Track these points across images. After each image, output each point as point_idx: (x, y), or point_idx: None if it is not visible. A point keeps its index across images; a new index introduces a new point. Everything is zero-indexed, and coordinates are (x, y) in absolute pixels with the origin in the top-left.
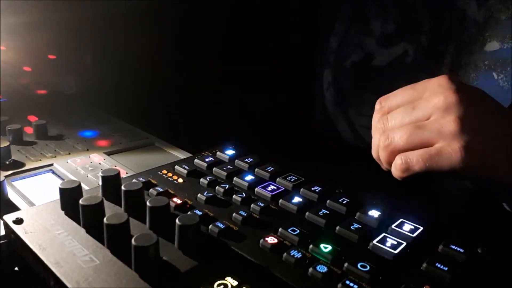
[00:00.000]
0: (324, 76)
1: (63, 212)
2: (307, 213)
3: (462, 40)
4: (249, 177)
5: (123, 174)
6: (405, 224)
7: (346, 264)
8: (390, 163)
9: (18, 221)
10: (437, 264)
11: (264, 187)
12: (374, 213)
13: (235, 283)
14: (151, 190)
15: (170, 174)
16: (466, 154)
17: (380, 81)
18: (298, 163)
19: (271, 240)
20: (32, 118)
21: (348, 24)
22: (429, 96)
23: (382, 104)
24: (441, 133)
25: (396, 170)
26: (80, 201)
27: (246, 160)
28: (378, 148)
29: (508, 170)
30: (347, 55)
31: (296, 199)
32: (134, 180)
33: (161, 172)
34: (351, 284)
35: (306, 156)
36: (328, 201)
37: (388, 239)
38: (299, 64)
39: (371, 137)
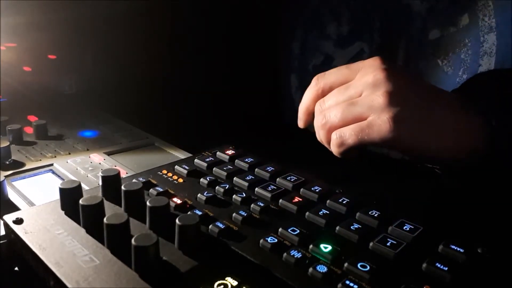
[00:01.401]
0: (291, 81)
1: (63, 212)
2: (307, 213)
3: (410, 33)
4: (249, 177)
5: (123, 174)
6: (405, 224)
7: (346, 264)
8: (329, 142)
9: (18, 221)
10: (437, 264)
11: (264, 187)
12: (374, 213)
13: (235, 283)
14: (151, 190)
15: (170, 174)
16: (394, 124)
17: None
18: (292, 164)
19: (271, 240)
20: (32, 118)
21: (307, 29)
22: (361, 75)
23: (318, 80)
24: (371, 107)
25: (333, 145)
26: (80, 201)
27: (246, 160)
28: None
29: (435, 142)
30: (309, 59)
31: (296, 199)
32: (134, 180)
33: (161, 172)
34: (351, 284)
35: (302, 158)
36: (328, 201)
37: (388, 239)
38: (270, 69)
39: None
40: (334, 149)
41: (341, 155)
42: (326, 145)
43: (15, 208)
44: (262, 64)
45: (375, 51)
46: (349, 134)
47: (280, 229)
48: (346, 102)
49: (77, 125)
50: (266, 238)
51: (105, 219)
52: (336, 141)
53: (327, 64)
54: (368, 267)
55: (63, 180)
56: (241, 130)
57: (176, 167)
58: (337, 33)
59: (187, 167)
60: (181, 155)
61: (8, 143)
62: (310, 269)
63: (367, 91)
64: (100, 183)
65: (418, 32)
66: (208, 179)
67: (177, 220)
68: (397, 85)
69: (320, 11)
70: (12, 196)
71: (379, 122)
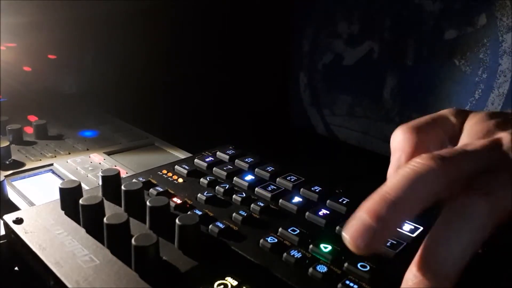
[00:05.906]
0: (300, 79)
1: (63, 212)
2: (307, 213)
3: (421, 33)
4: (249, 177)
5: (123, 174)
6: (405, 224)
7: (346, 264)
8: None
9: (18, 221)
10: None
11: (264, 187)
12: None
13: (235, 283)
14: (151, 190)
15: (170, 174)
16: None
17: (349, 80)
18: (287, 163)
19: (271, 240)
20: (32, 118)
21: (318, 27)
22: None
23: (456, 161)
24: None
25: None
26: (80, 201)
27: (246, 160)
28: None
29: None
30: (319, 57)
31: (296, 199)
32: (134, 180)
33: (161, 172)
34: (351, 284)
35: (302, 158)
36: (328, 201)
37: (388, 239)
38: (278, 66)
39: (344, 135)
40: None
41: None
42: None
43: (15, 208)
44: (267, 62)
45: (384, 50)
46: None
47: (280, 229)
48: None
49: (77, 125)
50: (266, 238)
51: (105, 219)
52: None
53: (337, 63)
54: (368, 267)
55: (63, 180)
56: (242, 129)
57: (176, 167)
58: (347, 32)
59: (187, 167)
60: (181, 155)
61: (8, 143)
62: (310, 269)
63: None
64: (100, 183)
65: (432, 32)
66: (208, 179)
67: (177, 220)
68: None
69: (332, 9)
70: (12, 196)
71: None
